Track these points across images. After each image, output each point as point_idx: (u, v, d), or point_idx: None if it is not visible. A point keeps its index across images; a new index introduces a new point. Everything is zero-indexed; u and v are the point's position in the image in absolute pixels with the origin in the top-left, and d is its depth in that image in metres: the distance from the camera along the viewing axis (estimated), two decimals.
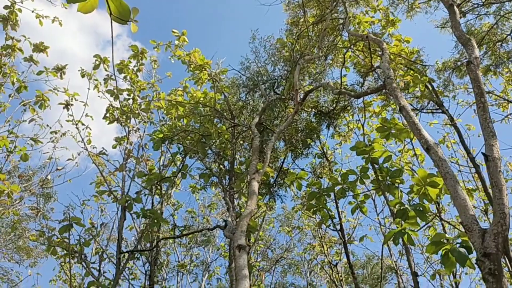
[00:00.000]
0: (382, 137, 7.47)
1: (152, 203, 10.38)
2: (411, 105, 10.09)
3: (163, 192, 10.82)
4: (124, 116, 10.52)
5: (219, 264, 16.12)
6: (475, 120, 13.96)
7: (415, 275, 6.27)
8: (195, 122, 10.43)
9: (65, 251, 8.11)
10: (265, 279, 15.04)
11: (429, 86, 9.62)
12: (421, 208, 6.28)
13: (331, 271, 12.15)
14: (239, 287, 4.61)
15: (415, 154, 10.11)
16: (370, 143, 7.54)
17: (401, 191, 7.13)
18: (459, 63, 10.44)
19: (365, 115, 10.10)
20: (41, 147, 10.28)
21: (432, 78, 9.94)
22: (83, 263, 7.89)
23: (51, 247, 8.24)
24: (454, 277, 10.16)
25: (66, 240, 7.58)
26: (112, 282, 8.18)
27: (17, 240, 15.30)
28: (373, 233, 16.33)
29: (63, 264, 12.26)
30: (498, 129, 8.02)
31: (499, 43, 10.39)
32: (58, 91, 9.90)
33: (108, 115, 10.45)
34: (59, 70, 9.88)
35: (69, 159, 10.97)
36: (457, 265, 4.90)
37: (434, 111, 9.86)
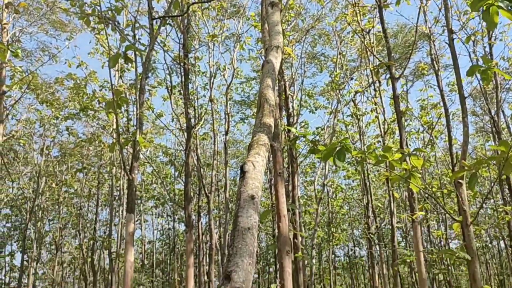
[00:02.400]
0: None
1: None
2: None
3: None
4: None
5: (249, 35, 16.19)
6: None
7: (450, 32, 6.15)
8: None
9: (98, 19, 8.15)
10: (295, 49, 15.21)
11: None
12: None
13: (363, 38, 12.06)
14: (273, 42, 4.63)
15: None
16: None
17: None
18: None
19: None
20: None
21: None
22: (117, 30, 8.01)
23: (84, 17, 8.29)
24: (489, 39, 9.95)
25: (97, 6, 7.54)
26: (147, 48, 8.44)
27: (50, 12, 15.44)
28: None
29: (97, 35, 12.60)
30: None
31: None
32: None
33: None
34: None
35: None
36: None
37: None
